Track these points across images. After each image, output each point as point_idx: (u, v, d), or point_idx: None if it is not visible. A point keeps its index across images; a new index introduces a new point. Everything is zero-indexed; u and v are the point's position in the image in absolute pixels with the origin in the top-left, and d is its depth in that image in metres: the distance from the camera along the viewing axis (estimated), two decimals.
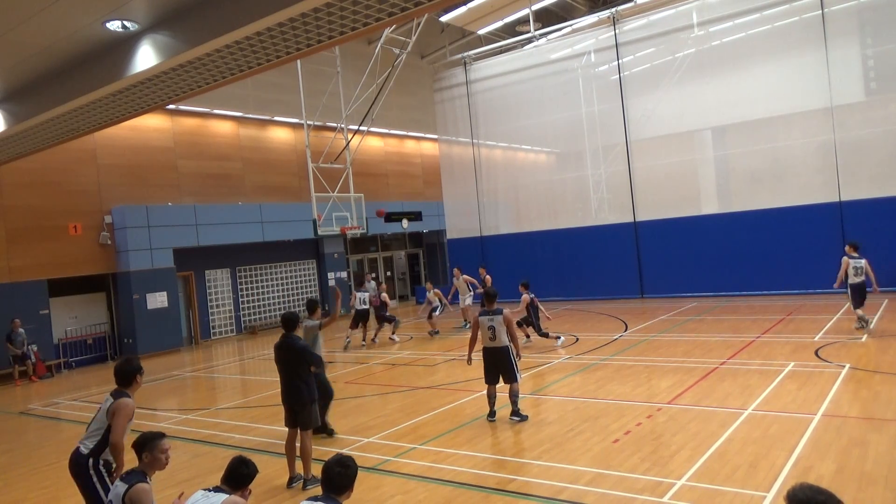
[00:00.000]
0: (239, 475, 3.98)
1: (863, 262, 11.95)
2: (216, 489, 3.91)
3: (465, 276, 17.62)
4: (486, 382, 8.66)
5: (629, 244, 20.65)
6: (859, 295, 11.82)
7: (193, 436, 9.36)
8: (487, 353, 8.59)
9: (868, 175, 16.97)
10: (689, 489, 5.76)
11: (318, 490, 3.72)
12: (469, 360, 8.97)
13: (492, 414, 8.64)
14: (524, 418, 8.44)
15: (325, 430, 8.44)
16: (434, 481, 6.61)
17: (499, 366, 8.50)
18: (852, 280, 11.81)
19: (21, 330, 16.37)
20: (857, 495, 5.33)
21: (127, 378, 5.28)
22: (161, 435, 4.50)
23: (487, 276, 17.28)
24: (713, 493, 5.62)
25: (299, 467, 6.98)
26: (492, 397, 8.64)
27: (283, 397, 7.07)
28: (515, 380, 8.48)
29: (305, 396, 6.89)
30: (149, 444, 4.39)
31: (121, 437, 5.05)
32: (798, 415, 7.58)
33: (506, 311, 8.52)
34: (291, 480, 6.92)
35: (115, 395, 5.22)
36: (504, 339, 8.46)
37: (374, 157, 27.45)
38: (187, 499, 3.93)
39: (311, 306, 8.81)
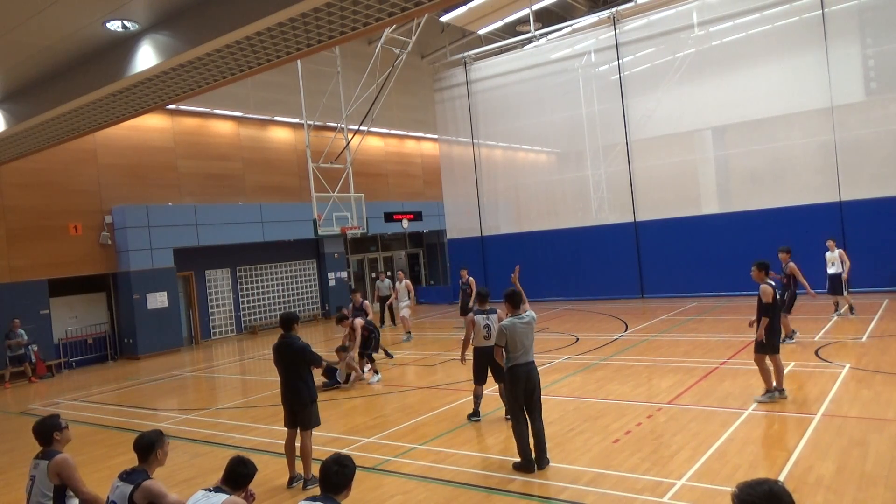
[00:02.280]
0: (237, 475, 3.99)
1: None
2: (217, 489, 3.92)
3: (407, 281, 17.22)
4: (476, 382, 8.67)
5: (629, 244, 20.65)
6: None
7: (193, 436, 9.36)
8: (481, 352, 8.51)
9: (868, 175, 16.97)
10: (689, 489, 5.76)
11: (317, 490, 3.72)
12: (463, 359, 8.89)
13: (475, 414, 8.68)
14: None
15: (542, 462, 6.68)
16: (434, 481, 6.61)
17: (492, 365, 8.46)
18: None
19: (20, 330, 16.32)
20: (857, 495, 5.33)
21: (47, 437, 5.02)
22: (162, 433, 4.56)
23: (471, 279, 16.59)
24: (713, 493, 5.62)
25: (299, 467, 6.98)
26: (478, 398, 8.69)
27: (283, 398, 7.06)
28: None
29: (306, 396, 6.87)
30: (160, 441, 4.47)
31: (86, 487, 4.87)
32: (798, 415, 7.58)
33: (499, 310, 8.51)
34: (291, 480, 6.93)
35: (46, 455, 4.93)
36: None
37: (374, 157, 27.44)
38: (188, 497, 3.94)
39: (515, 300, 6.96)
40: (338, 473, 3.58)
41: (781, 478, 5.75)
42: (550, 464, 6.69)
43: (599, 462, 6.64)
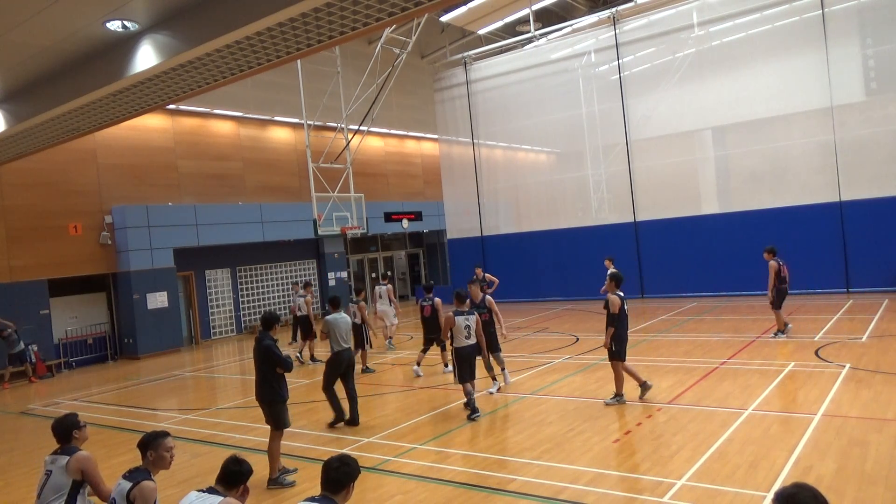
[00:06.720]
0: (232, 473, 3.93)
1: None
2: (210, 490, 3.86)
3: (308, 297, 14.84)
4: (461, 381, 8.78)
5: (629, 244, 20.63)
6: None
7: (193, 436, 9.36)
8: (462, 351, 8.67)
9: (868, 175, 16.96)
10: (689, 489, 5.76)
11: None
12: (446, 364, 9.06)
13: (474, 410, 8.72)
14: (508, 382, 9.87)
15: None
16: (434, 481, 6.61)
17: (473, 357, 8.84)
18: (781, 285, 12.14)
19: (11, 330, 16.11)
20: (857, 495, 5.33)
21: (67, 434, 4.99)
22: (165, 433, 4.50)
23: (487, 275, 15.73)
24: (713, 493, 5.62)
25: (289, 463, 7.21)
26: (470, 394, 8.81)
27: (255, 395, 7.33)
28: (499, 349, 9.69)
29: (268, 395, 7.06)
30: (153, 443, 4.39)
31: (105, 485, 4.82)
32: (798, 415, 7.58)
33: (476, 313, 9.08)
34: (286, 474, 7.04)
35: (67, 451, 4.86)
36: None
37: (374, 157, 27.45)
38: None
39: (335, 303, 9.66)
40: (338, 470, 3.53)
41: (781, 478, 5.75)
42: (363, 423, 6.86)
43: (599, 462, 6.64)
